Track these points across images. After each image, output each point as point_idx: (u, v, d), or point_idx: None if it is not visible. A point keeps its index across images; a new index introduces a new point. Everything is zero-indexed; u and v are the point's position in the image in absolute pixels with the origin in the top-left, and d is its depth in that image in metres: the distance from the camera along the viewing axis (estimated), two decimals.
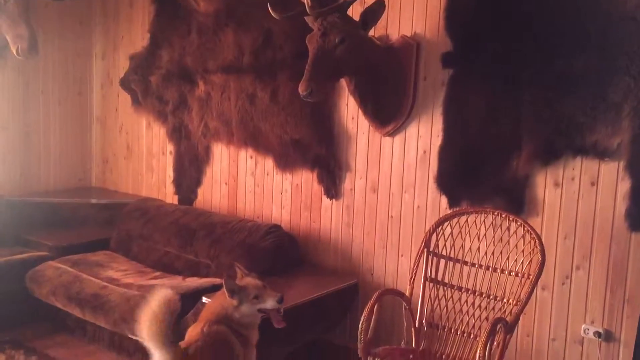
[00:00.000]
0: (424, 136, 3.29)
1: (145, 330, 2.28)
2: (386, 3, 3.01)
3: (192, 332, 2.59)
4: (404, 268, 3.43)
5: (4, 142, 4.43)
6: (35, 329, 3.72)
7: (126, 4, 4.63)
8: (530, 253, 2.59)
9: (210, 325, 2.56)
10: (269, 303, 2.54)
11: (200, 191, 4.37)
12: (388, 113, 3.34)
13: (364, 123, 3.50)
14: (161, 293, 2.34)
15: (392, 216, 3.45)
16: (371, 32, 3.21)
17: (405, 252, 3.42)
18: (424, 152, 3.30)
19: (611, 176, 2.74)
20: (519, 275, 2.62)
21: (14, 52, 3.78)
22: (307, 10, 2.92)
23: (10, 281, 3.66)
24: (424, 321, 2.78)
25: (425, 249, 2.81)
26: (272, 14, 3.07)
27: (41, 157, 4.67)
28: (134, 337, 3.25)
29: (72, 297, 3.44)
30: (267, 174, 3.98)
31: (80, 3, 4.49)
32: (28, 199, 4.41)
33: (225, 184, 4.21)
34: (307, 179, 3.79)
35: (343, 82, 3.39)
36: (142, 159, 4.72)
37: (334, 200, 3.69)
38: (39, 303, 3.69)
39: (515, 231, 2.69)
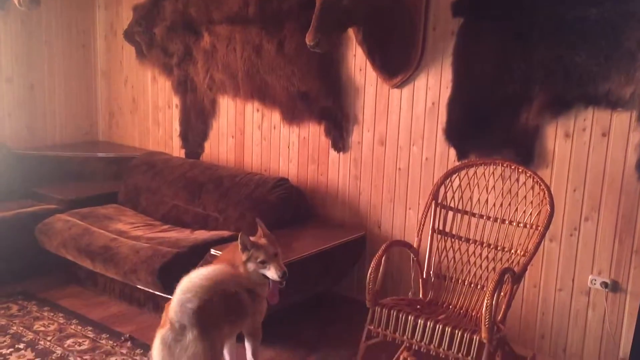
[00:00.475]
0: (432, 87, 3.25)
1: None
2: None
3: None
4: (411, 221, 3.43)
5: (10, 94, 4.40)
6: (46, 280, 3.77)
7: None
8: (539, 204, 2.58)
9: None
10: (271, 273, 2.49)
11: (207, 145, 4.35)
12: (396, 64, 3.29)
13: (371, 75, 3.45)
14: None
15: (399, 169, 3.44)
16: None
17: (413, 205, 3.41)
18: (433, 103, 3.25)
19: (623, 127, 2.71)
20: (527, 226, 2.61)
21: (16, 2, 3.70)
22: None
23: (20, 234, 3.69)
24: (431, 272, 2.80)
25: (434, 201, 2.81)
26: None
27: (47, 110, 4.65)
28: (144, 288, 3.30)
29: (82, 249, 3.48)
30: (274, 127, 3.95)
31: None
32: (35, 152, 4.41)
33: (232, 137, 4.19)
34: (314, 132, 3.76)
35: (351, 32, 3.33)
36: (148, 112, 4.69)
37: (341, 153, 3.67)
38: (49, 255, 3.73)
39: (525, 183, 2.67)
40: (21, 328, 3.18)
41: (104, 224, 3.68)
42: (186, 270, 3.07)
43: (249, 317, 2.58)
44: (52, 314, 3.35)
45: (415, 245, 2.77)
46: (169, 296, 3.19)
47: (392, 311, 2.42)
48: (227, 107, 4.18)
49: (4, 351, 2.93)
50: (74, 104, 4.82)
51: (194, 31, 4.17)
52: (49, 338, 3.09)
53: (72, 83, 4.78)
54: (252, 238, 2.55)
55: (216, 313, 2.35)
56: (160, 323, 2.36)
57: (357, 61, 3.50)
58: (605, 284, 2.83)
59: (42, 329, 3.19)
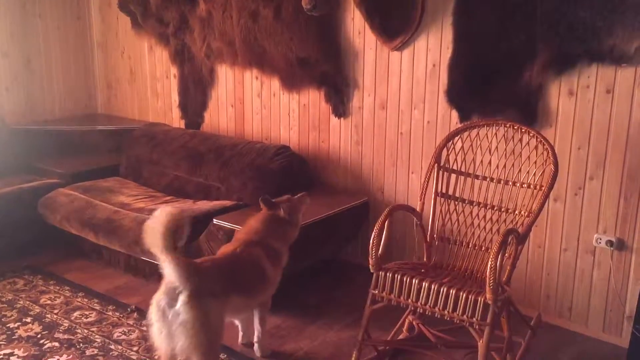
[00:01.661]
0: (433, 49, 3.19)
1: (148, 238, 2.17)
2: None
3: (224, 251, 2.56)
4: (414, 185, 3.41)
5: (6, 69, 4.35)
6: (51, 255, 3.78)
7: None
8: (542, 164, 2.54)
9: (245, 246, 2.52)
10: (306, 200, 2.80)
11: (206, 114, 4.31)
12: (396, 26, 3.22)
13: (371, 38, 3.39)
14: (164, 210, 2.21)
15: (401, 133, 3.40)
16: None
17: (415, 169, 3.39)
18: (434, 65, 3.20)
19: (628, 83, 2.65)
20: (531, 187, 2.58)
21: None
22: None
23: (23, 209, 3.70)
24: (435, 236, 2.78)
25: (436, 164, 2.77)
26: None
27: (44, 84, 4.60)
28: (149, 259, 3.30)
29: (86, 222, 3.48)
30: (274, 95, 3.90)
31: None
32: (35, 127, 4.38)
33: (232, 106, 4.15)
34: (314, 98, 3.72)
35: None
36: (147, 83, 4.64)
37: (342, 119, 3.63)
38: (53, 229, 3.73)
39: (528, 143, 2.63)
40: (28, 302, 3.19)
41: (106, 197, 3.68)
42: (189, 241, 3.09)
43: (268, 288, 2.56)
44: (58, 288, 3.37)
45: (418, 209, 2.74)
46: None
47: (396, 275, 2.41)
48: (225, 75, 4.13)
49: (11, 325, 2.96)
50: (72, 77, 4.77)
51: None
52: (55, 311, 3.11)
53: (68, 56, 4.72)
54: None
55: (219, 276, 2.31)
56: None
57: (356, 24, 3.44)
58: (610, 242, 2.81)
59: (49, 302, 3.20)
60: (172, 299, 2.17)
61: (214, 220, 3.12)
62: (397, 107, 3.39)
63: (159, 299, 2.21)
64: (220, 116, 4.23)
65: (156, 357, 2.44)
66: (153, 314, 2.21)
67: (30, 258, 3.71)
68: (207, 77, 4.22)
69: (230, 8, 3.89)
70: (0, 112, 4.30)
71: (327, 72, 3.60)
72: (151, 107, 4.66)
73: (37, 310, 3.11)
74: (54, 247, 3.84)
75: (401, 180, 3.46)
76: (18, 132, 4.23)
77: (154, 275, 3.39)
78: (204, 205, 3.48)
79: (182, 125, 4.45)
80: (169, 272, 2.15)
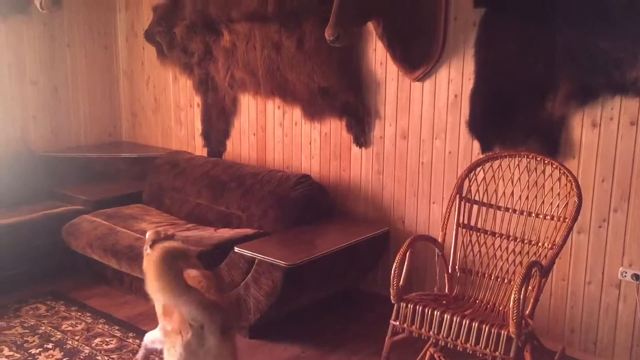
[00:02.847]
0: (454, 80, 3.20)
1: (153, 283, 2.05)
2: None
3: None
4: (435, 215, 3.40)
5: (35, 97, 4.45)
6: (74, 280, 3.81)
7: None
8: (566, 196, 2.52)
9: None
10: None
11: (229, 143, 4.36)
12: (417, 57, 3.25)
13: (392, 68, 3.42)
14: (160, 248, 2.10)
15: (422, 163, 3.40)
16: None
17: (436, 199, 3.38)
18: (455, 96, 3.21)
19: None
20: (555, 219, 2.56)
21: (38, 5, 3.76)
22: None
23: (47, 235, 3.74)
24: (457, 267, 2.76)
25: (458, 195, 2.77)
26: None
27: (71, 112, 4.69)
28: None
29: (108, 249, 3.51)
30: (296, 124, 3.94)
31: None
32: (61, 154, 4.46)
33: (254, 135, 4.19)
34: (335, 128, 3.74)
35: (370, 26, 3.30)
36: (170, 112, 4.72)
37: (363, 148, 3.64)
38: (76, 256, 3.77)
39: (551, 174, 2.62)
40: (50, 328, 3.22)
41: (129, 224, 3.71)
42: (211, 268, 3.10)
43: None
44: (79, 314, 3.39)
45: (440, 239, 2.73)
46: None
47: (417, 306, 2.39)
48: (248, 104, 4.18)
49: (33, 351, 2.98)
50: (98, 105, 4.87)
51: (213, 30, 4.17)
52: (76, 337, 3.13)
53: (95, 84, 4.82)
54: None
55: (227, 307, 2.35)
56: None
57: (378, 55, 3.47)
58: (636, 276, 2.76)
59: (70, 328, 3.22)
60: (200, 339, 2.13)
61: (235, 248, 3.13)
62: (419, 137, 3.40)
63: (189, 342, 2.13)
64: (242, 145, 4.28)
65: None
66: (185, 355, 2.14)
67: (53, 284, 3.74)
68: (230, 106, 4.28)
69: (254, 39, 3.96)
70: (27, 140, 4.39)
71: (349, 102, 3.63)
72: (174, 136, 4.73)
73: (59, 336, 3.13)
74: (77, 273, 3.87)
75: (422, 210, 3.45)
76: (44, 159, 4.31)
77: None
78: (225, 233, 3.50)
79: (205, 154, 4.50)
80: (192, 311, 2.10)
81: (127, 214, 3.89)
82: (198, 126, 4.54)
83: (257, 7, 3.87)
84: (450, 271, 2.76)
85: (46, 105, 4.52)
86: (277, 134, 4.05)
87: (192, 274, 2.38)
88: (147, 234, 2.70)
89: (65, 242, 3.77)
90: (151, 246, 2.51)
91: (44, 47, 4.46)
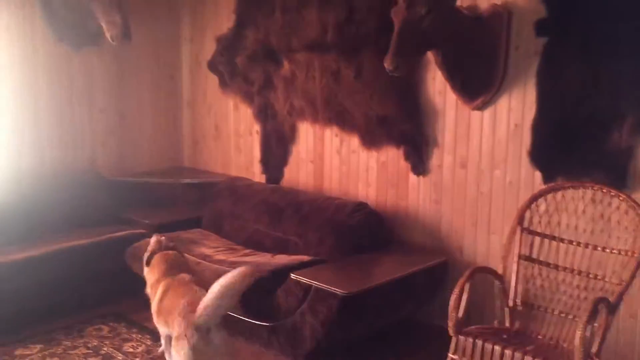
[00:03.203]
0: (515, 109, 3.16)
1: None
2: None
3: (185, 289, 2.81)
4: (495, 246, 3.32)
5: (103, 124, 4.65)
6: (136, 303, 3.87)
7: None
8: (634, 230, 2.43)
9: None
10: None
11: (286, 170, 4.42)
12: (477, 86, 3.23)
13: (451, 97, 3.40)
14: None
15: (482, 192, 3.35)
16: (459, 2, 3.10)
17: (496, 230, 3.31)
18: (516, 125, 3.16)
19: None
20: (622, 253, 2.47)
21: (108, 38, 3.94)
22: None
23: (111, 257, 3.86)
24: (518, 300, 2.69)
25: (519, 226, 2.71)
26: None
27: (136, 139, 4.87)
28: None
29: None
30: (353, 152, 3.96)
31: None
32: (126, 179, 4.61)
33: (311, 162, 4.23)
34: (393, 156, 3.74)
35: (429, 55, 3.30)
36: (230, 139, 4.82)
37: (421, 177, 3.62)
38: (138, 278, 3.85)
39: (618, 207, 2.53)
40: (111, 349, 3.31)
41: (189, 248, 3.79)
42: (267, 294, 3.13)
43: None
44: (140, 336, 3.47)
45: (500, 271, 2.67)
46: (252, 320, 3.25)
47: (477, 340, 2.34)
48: (306, 132, 4.24)
49: None
50: (161, 132, 5.03)
51: (274, 59, 4.26)
52: (137, 359, 3.19)
53: (159, 112, 4.99)
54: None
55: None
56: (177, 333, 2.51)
57: (437, 84, 3.47)
58: None
59: (131, 350, 3.30)
60: (206, 338, 2.44)
61: (292, 275, 3.14)
62: (478, 166, 3.35)
63: (196, 343, 2.42)
64: (300, 172, 4.32)
65: None
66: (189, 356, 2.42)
67: (115, 305, 3.85)
68: (289, 134, 4.34)
69: (313, 68, 4.02)
70: (95, 165, 4.58)
71: (407, 131, 3.63)
72: (234, 162, 4.82)
73: (120, 358, 3.21)
74: (139, 296, 3.95)
75: (481, 241, 3.39)
76: (110, 184, 4.47)
77: (230, 327, 3.45)
78: (282, 259, 3.53)
79: (263, 180, 4.56)
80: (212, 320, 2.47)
81: (187, 238, 3.98)
82: (257, 153, 4.62)
83: (317, 37, 3.95)
84: (511, 304, 2.69)
85: (113, 131, 4.71)
86: (334, 161, 4.08)
87: (186, 278, 2.86)
88: (151, 241, 3.12)
89: (128, 264, 3.87)
90: (150, 257, 3.01)
91: (113, 76, 4.66)
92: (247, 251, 3.81)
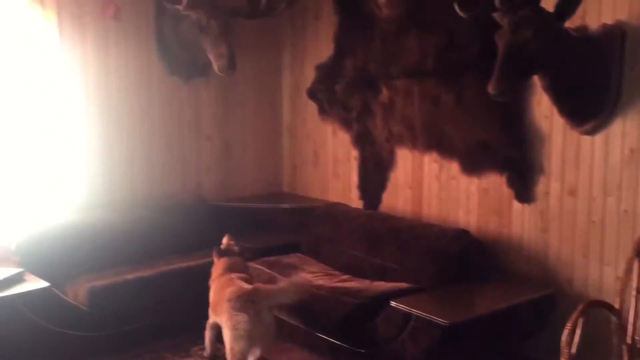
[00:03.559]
0: (630, 133, 2.99)
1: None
2: None
3: (229, 280, 3.27)
4: (608, 278, 3.13)
5: (209, 151, 4.86)
6: None
7: (312, 17, 4.83)
8: None
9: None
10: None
11: (384, 196, 4.40)
12: (587, 110, 3.09)
13: (558, 121, 3.27)
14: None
15: (593, 221, 3.18)
16: (567, 23, 2.99)
17: (610, 261, 3.12)
18: (631, 150, 2.99)
19: None
20: None
21: (216, 69, 4.13)
22: (497, 6, 2.80)
23: None
24: (637, 337, 2.50)
25: (637, 258, 2.54)
26: (459, 13, 3.00)
27: (239, 165, 5.04)
28: (325, 336, 3.37)
29: None
30: (453, 178, 3.89)
31: (272, 21, 4.77)
32: (228, 204, 4.78)
33: (410, 188, 4.20)
34: (495, 183, 3.64)
35: (534, 78, 3.20)
36: (329, 165, 4.88)
37: (526, 204, 3.49)
38: None
39: None
40: None
41: (288, 273, 3.85)
42: (366, 322, 3.12)
43: None
44: None
45: (617, 306, 2.51)
46: (351, 347, 3.24)
47: None
48: (404, 158, 4.22)
49: None
50: (262, 158, 5.18)
51: (372, 86, 4.30)
52: None
53: (261, 139, 5.15)
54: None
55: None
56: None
57: (542, 108, 3.35)
58: None
59: None
60: (259, 315, 2.98)
61: (392, 302, 3.11)
62: (589, 193, 3.19)
63: (249, 318, 2.95)
64: (398, 198, 4.30)
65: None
66: (248, 328, 2.94)
67: None
68: (387, 160, 4.34)
69: (412, 94, 4.02)
70: (200, 190, 4.78)
71: (510, 157, 3.52)
72: (332, 188, 4.87)
73: None
74: None
75: (593, 273, 3.20)
76: (215, 208, 4.64)
77: (328, 353, 3.46)
78: (381, 286, 3.51)
79: (361, 206, 4.57)
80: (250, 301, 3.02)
81: (286, 262, 4.05)
82: (355, 179, 4.64)
83: (416, 63, 3.95)
84: (629, 342, 2.51)
85: (218, 158, 4.91)
86: (433, 188, 4.03)
87: (232, 275, 3.29)
88: (224, 240, 3.71)
89: None
90: (219, 252, 3.58)
91: (219, 105, 4.87)
92: (346, 277, 3.81)
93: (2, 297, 3.25)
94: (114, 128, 4.35)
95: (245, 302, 2.97)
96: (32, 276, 3.51)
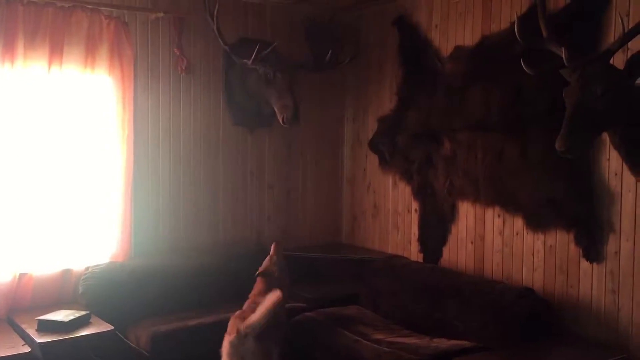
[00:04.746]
0: None
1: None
2: None
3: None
4: None
5: (271, 200, 4.93)
6: None
7: (376, 70, 4.91)
8: None
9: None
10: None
11: (445, 250, 4.34)
12: None
13: (629, 179, 3.18)
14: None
15: None
16: (637, 80, 2.94)
17: None
18: None
19: None
20: None
21: (280, 120, 4.25)
22: (565, 62, 2.79)
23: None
24: None
25: None
26: (526, 70, 2.99)
27: (299, 214, 5.09)
28: None
29: (328, 348, 3.62)
30: (517, 234, 3.80)
31: (335, 73, 4.88)
32: (288, 252, 4.79)
33: (471, 243, 4.13)
34: (562, 240, 3.54)
35: (603, 135, 3.14)
36: (389, 216, 4.87)
37: (594, 263, 3.37)
38: (300, 351, 3.90)
39: None
40: None
41: (346, 325, 3.81)
42: None
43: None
44: None
45: None
46: None
47: None
48: (466, 212, 4.16)
49: None
50: (322, 208, 5.21)
51: (435, 139, 4.30)
52: None
53: (321, 189, 5.20)
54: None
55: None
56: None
57: (612, 165, 3.27)
58: None
59: None
60: (242, 339, 3.11)
61: None
62: None
63: (232, 340, 3.13)
64: (459, 252, 4.23)
65: None
66: (230, 349, 3.14)
67: None
68: (448, 213, 4.29)
69: (475, 148, 3.99)
70: (262, 239, 4.84)
71: (578, 214, 3.42)
72: (391, 240, 4.84)
73: None
74: None
75: None
76: None
77: None
78: (442, 343, 3.43)
79: (420, 259, 4.52)
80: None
81: (344, 314, 4.01)
82: (415, 231, 4.60)
83: (481, 117, 3.94)
84: None
85: (279, 207, 4.97)
86: (496, 243, 3.95)
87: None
88: (272, 252, 3.84)
89: (290, 337, 3.96)
90: (260, 274, 3.69)
91: (282, 155, 4.97)
92: (405, 332, 3.74)
93: (68, 339, 3.36)
94: (182, 175, 4.50)
95: (233, 326, 3.21)
96: (98, 319, 3.62)
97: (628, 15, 3.12)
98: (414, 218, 4.61)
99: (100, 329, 3.50)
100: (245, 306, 3.49)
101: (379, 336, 3.61)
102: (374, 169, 4.97)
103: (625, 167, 3.12)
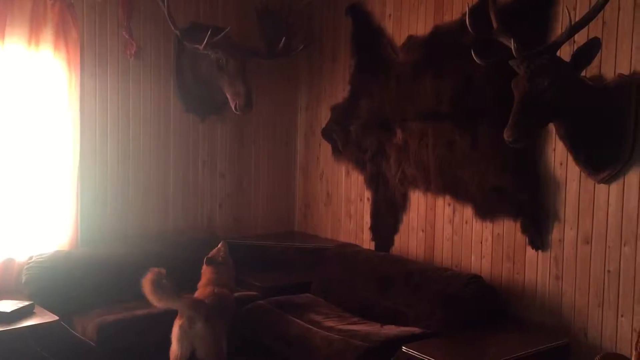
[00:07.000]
0: None
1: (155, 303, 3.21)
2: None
3: (204, 291, 3.46)
4: (624, 329, 3.08)
5: (222, 188, 4.88)
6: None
7: (329, 58, 4.90)
8: None
9: (219, 287, 3.49)
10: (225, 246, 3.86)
11: (397, 238, 4.39)
12: (603, 158, 3.08)
13: (574, 169, 3.27)
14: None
15: (609, 271, 3.14)
16: (582, 73, 3.02)
17: (625, 312, 3.07)
18: None
19: None
20: None
21: (233, 107, 4.19)
22: (513, 54, 2.84)
23: None
24: None
25: None
26: (476, 60, 3.04)
27: (251, 202, 5.06)
28: None
29: (279, 336, 3.62)
30: (466, 222, 3.87)
31: (288, 61, 4.85)
32: (239, 241, 4.76)
33: (422, 231, 4.18)
34: (509, 228, 3.62)
35: (549, 125, 3.22)
36: (341, 205, 4.89)
37: (539, 251, 3.47)
38: (251, 339, 3.88)
39: None
40: None
41: (298, 313, 3.81)
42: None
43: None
44: None
45: (633, 359, 2.46)
46: None
47: None
48: (417, 201, 4.21)
49: None
50: (275, 196, 5.19)
51: (387, 128, 4.33)
52: None
53: (274, 178, 5.18)
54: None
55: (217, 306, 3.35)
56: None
57: (557, 155, 3.36)
58: None
59: None
60: (192, 323, 3.22)
61: (403, 348, 3.07)
62: (604, 242, 3.16)
63: (182, 324, 3.23)
64: (410, 240, 4.28)
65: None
66: (177, 333, 3.23)
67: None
68: (400, 202, 4.34)
69: (426, 137, 4.04)
70: (212, 226, 4.79)
71: (525, 203, 3.51)
72: (343, 228, 4.86)
73: None
74: (250, 357, 3.95)
75: (608, 324, 3.15)
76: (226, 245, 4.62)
77: None
78: (391, 330, 3.46)
79: (372, 247, 4.56)
80: (185, 310, 3.25)
81: (297, 302, 4.01)
82: (367, 220, 4.64)
83: (432, 106, 3.98)
84: None
85: (231, 195, 4.93)
86: (446, 231, 4.01)
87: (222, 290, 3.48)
88: (220, 246, 3.83)
89: (241, 326, 3.93)
90: (206, 262, 3.69)
91: (234, 143, 4.91)
92: (356, 319, 3.76)
93: (11, 329, 3.25)
94: (131, 162, 4.40)
95: (186, 309, 3.26)
96: (42, 309, 3.51)
97: (575, 8, 3.20)
98: (367, 207, 4.64)
99: (45, 319, 3.39)
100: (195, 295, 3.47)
101: (331, 324, 3.63)
102: (327, 158, 4.98)
103: (570, 157, 3.21)
